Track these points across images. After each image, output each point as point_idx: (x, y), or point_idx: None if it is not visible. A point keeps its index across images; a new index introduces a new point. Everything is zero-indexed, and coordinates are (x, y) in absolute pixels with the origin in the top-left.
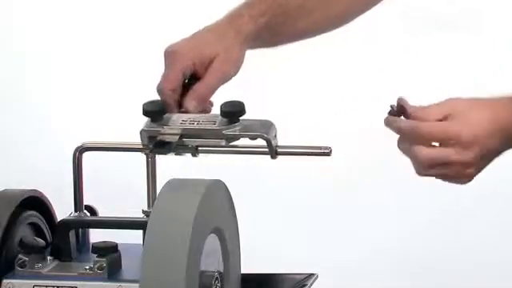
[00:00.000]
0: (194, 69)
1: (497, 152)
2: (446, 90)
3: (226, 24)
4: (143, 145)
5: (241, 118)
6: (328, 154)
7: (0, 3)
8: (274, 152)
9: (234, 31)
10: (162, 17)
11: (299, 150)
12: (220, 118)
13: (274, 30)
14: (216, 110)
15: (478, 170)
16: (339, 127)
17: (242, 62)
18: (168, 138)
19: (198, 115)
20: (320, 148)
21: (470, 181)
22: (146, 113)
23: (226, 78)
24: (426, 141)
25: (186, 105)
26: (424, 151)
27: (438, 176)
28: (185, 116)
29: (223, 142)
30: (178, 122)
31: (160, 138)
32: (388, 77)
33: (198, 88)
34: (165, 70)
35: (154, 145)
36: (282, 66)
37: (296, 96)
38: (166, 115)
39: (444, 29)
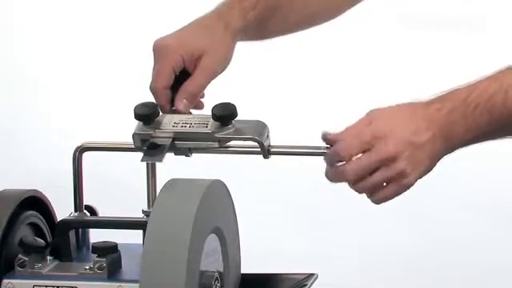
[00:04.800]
0: (183, 64)
1: (432, 149)
2: (446, 87)
3: (216, 18)
4: (137, 147)
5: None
6: None
7: (0, 3)
8: (266, 153)
9: (223, 25)
10: (161, 19)
11: (297, 150)
12: (212, 120)
13: (264, 24)
14: (207, 104)
15: (414, 166)
16: (339, 125)
17: (231, 56)
18: (160, 141)
19: (189, 117)
20: (319, 148)
21: (412, 178)
22: (137, 116)
23: (215, 74)
24: (347, 157)
25: (177, 104)
26: (347, 166)
27: (376, 184)
28: (176, 118)
29: (216, 145)
30: (169, 124)
31: (152, 141)
32: (389, 74)
33: (188, 87)
34: (155, 65)
35: (147, 147)
36: (280, 62)
37: (295, 94)
38: (158, 117)
39: (446, 27)
